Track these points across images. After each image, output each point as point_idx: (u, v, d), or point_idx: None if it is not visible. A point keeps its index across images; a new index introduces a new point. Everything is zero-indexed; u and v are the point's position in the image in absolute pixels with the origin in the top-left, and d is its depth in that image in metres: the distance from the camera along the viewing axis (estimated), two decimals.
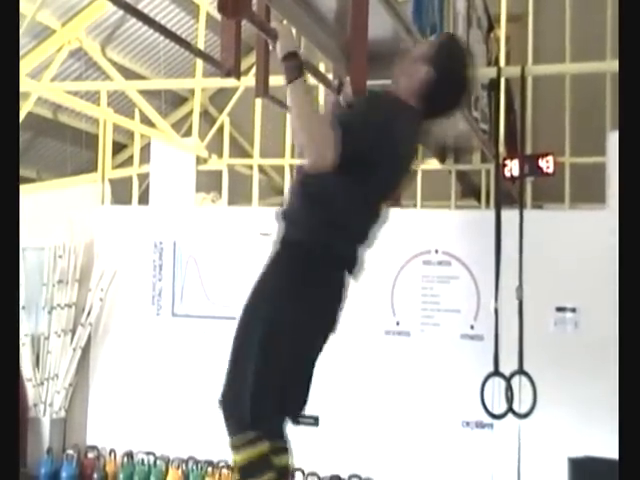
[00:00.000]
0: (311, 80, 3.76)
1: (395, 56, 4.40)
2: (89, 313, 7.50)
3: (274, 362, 2.90)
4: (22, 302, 7.29)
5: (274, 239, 3.03)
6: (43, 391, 7.40)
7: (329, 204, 2.90)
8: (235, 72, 3.27)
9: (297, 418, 3.08)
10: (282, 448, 3.03)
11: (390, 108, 2.98)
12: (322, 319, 3.02)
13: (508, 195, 6.57)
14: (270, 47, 2.94)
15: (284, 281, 2.93)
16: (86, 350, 7.54)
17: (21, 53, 7.22)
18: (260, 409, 2.90)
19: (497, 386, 5.26)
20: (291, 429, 3.16)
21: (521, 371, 5.12)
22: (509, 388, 5.05)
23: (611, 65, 6.09)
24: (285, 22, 4.40)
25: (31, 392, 7.38)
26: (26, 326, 7.40)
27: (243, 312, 2.99)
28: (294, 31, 3.47)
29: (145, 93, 7.76)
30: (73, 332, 7.50)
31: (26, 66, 7.21)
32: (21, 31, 6.52)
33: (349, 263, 3.05)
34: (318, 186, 2.88)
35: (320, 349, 3.07)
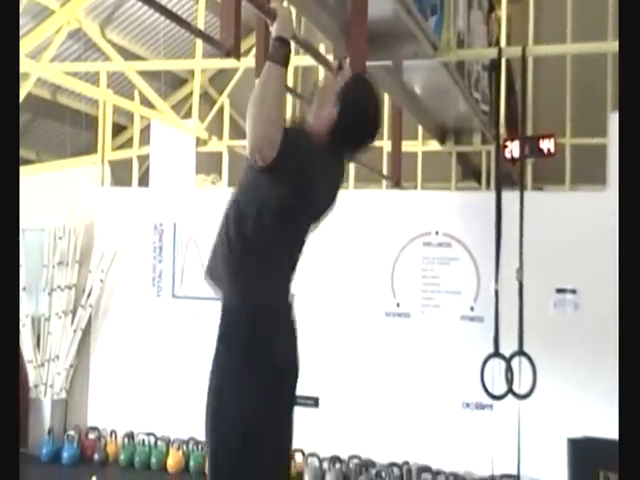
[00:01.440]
0: (311, 61, 3.75)
1: (395, 37, 4.41)
2: (89, 294, 7.51)
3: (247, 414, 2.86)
4: (22, 283, 7.30)
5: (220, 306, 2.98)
6: (44, 372, 7.42)
7: (261, 228, 2.88)
8: (235, 52, 3.26)
9: None
10: None
11: (306, 147, 2.95)
12: (285, 359, 2.97)
13: (508, 176, 6.57)
14: (270, 28, 2.92)
15: (240, 333, 2.87)
16: (87, 331, 7.56)
17: (20, 33, 7.19)
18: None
19: (497, 367, 5.26)
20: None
21: (521, 352, 5.11)
22: (509, 369, 5.05)
23: (612, 45, 6.05)
24: (285, 3, 4.40)
25: (32, 373, 7.39)
26: (26, 307, 7.41)
27: (210, 412, 2.92)
28: (294, 11, 3.46)
29: (145, 74, 7.74)
30: (74, 313, 7.52)
31: (25, 46, 7.17)
32: (20, 11, 6.50)
33: (288, 301, 3.03)
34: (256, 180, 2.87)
35: (290, 396, 3.02)
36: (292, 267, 3.02)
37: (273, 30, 2.81)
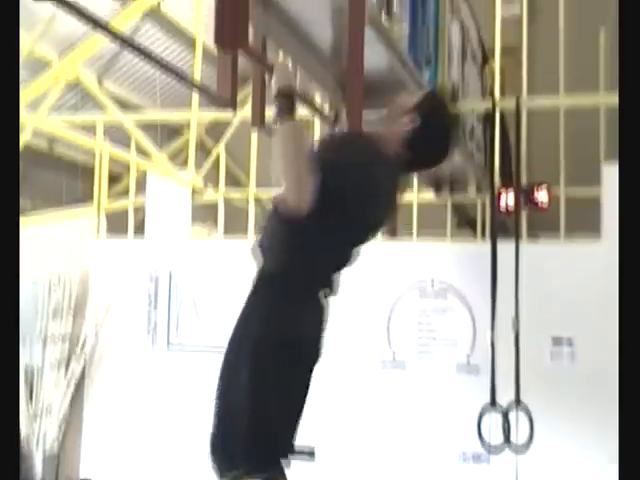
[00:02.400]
0: (306, 112, 3.77)
1: (390, 87, 4.45)
2: (84, 345, 7.47)
3: (263, 395, 2.87)
4: None
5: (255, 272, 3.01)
6: (36, 424, 7.35)
7: (299, 248, 2.90)
8: (231, 104, 3.28)
9: (289, 451, 3.04)
10: (278, 478, 2.99)
11: (371, 154, 2.98)
12: (307, 347, 3.00)
13: (503, 226, 6.58)
14: (266, 80, 2.95)
15: (266, 312, 2.92)
16: (80, 382, 7.50)
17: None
18: (252, 444, 2.87)
19: (494, 417, 5.23)
20: (287, 462, 3.14)
21: (518, 404, 5.09)
22: (506, 420, 5.03)
23: (605, 98, 6.12)
24: (281, 53, 4.44)
25: (24, 425, 7.32)
26: (20, 358, 7.36)
27: (228, 349, 2.98)
28: (290, 63, 3.49)
29: (141, 125, 7.78)
30: (67, 364, 7.46)
31: (23, 99, 7.22)
32: (19, 64, 6.54)
33: (328, 288, 3.05)
34: (289, 229, 2.88)
35: (309, 380, 3.04)
36: (338, 263, 3.05)
37: (272, 86, 2.82)
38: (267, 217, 3.09)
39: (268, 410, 2.89)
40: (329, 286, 3.06)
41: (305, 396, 3.02)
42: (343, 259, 3.07)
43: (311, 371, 3.04)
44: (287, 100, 2.78)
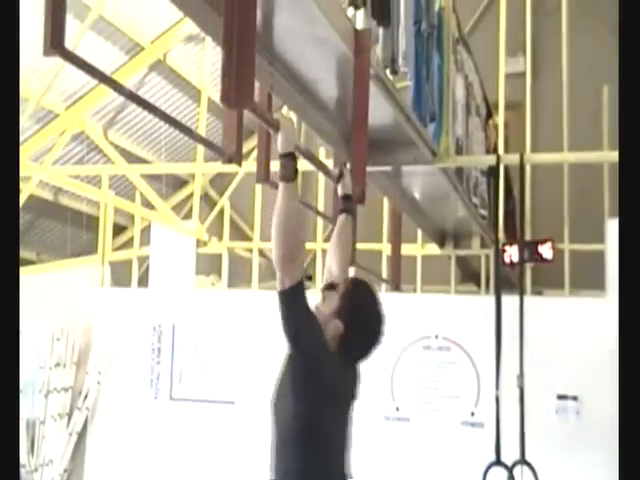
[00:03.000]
0: (310, 167, 3.79)
1: (394, 143, 4.47)
2: (86, 397, 7.42)
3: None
4: None
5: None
6: (37, 477, 7.28)
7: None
8: (237, 159, 3.30)
9: None
10: None
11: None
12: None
13: (507, 280, 6.57)
14: (272, 136, 2.97)
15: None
16: (82, 435, 7.45)
17: (25, 137, 7.29)
18: None
19: (499, 475, 5.16)
20: None
21: (523, 461, 5.03)
22: (511, 478, 4.97)
23: (609, 155, 6.15)
24: (287, 111, 4.46)
25: (25, 478, 7.25)
26: (22, 410, 7.31)
27: None
28: (295, 119, 3.51)
29: (146, 176, 7.82)
30: (69, 416, 7.42)
31: (29, 150, 7.28)
32: (26, 115, 6.60)
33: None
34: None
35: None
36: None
37: (279, 145, 2.85)
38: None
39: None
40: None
41: None
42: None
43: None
44: (291, 162, 2.82)
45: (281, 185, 2.79)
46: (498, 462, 4.97)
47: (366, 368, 7.07)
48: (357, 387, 3.34)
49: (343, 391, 3.19)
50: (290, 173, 2.80)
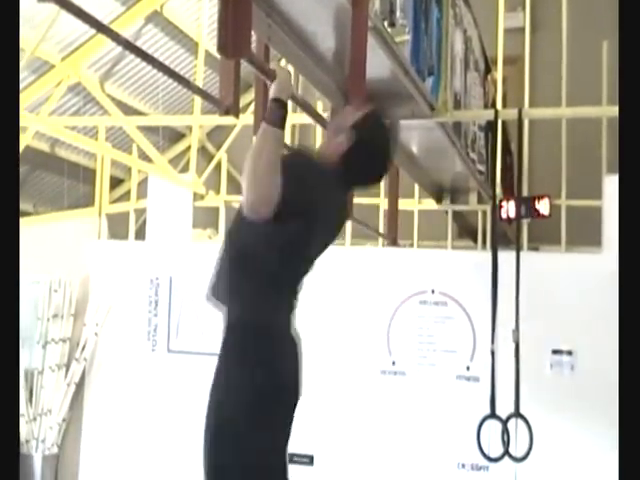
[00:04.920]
0: (308, 119, 3.78)
1: (392, 96, 4.45)
2: (84, 348, 7.46)
3: (250, 448, 2.84)
4: None
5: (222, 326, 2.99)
6: (35, 427, 7.34)
7: (262, 265, 2.89)
8: (234, 110, 3.28)
9: None
10: None
11: (316, 166, 2.98)
12: (289, 390, 2.97)
13: (504, 236, 6.58)
14: (269, 87, 2.94)
15: (242, 365, 2.88)
16: (80, 385, 7.49)
17: (20, 87, 7.24)
18: None
19: (494, 428, 5.21)
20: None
21: (517, 414, 5.08)
22: (505, 431, 5.01)
23: (607, 110, 6.13)
24: (284, 62, 4.43)
25: (23, 428, 7.31)
26: (20, 361, 7.35)
27: (209, 407, 2.94)
28: (292, 70, 3.49)
29: (143, 128, 7.78)
30: (67, 367, 7.46)
31: (25, 100, 7.23)
32: (21, 65, 6.55)
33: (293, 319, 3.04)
34: (250, 246, 2.87)
35: (292, 420, 3.01)
36: (294, 292, 3.02)
37: (271, 91, 2.82)
38: (220, 256, 3.05)
39: (256, 463, 2.86)
40: (293, 310, 3.02)
41: (288, 441, 2.99)
42: (303, 275, 3.07)
43: (293, 414, 3.00)
44: (279, 109, 2.78)
45: (262, 125, 2.75)
46: (493, 415, 5.02)
47: (362, 322, 7.13)
48: (344, 215, 3.25)
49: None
50: (275, 118, 2.75)
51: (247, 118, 5.95)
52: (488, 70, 6.73)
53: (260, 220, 2.72)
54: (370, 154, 3.06)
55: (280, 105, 2.78)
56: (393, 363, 6.77)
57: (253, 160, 2.69)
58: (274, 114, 2.76)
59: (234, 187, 7.95)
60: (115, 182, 9.16)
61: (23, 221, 7.54)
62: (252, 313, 2.91)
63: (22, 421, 7.30)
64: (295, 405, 2.98)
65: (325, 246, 3.12)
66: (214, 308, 3.03)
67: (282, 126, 2.78)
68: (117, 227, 7.97)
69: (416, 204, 7.35)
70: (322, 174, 2.95)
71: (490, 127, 6.18)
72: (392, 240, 6.35)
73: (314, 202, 2.86)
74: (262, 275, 2.90)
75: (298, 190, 2.76)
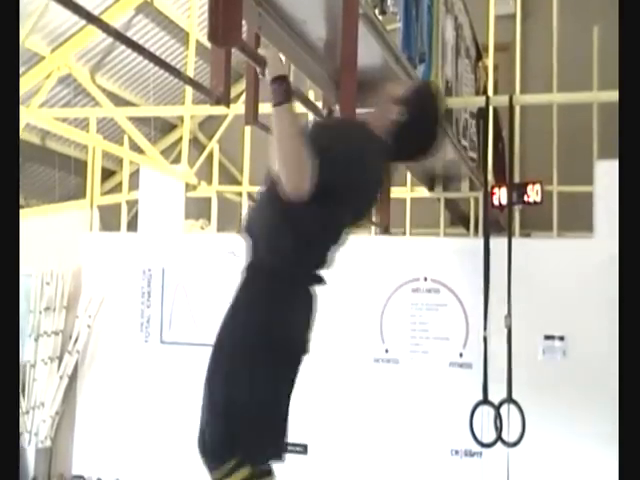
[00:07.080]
0: (300, 108, 3.77)
1: (383, 84, 4.45)
2: (76, 340, 7.45)
3: (252, 389, 2.87)
4: None
5: (244, 263, 3.01)
6: (28, 420, 7.33)
7: (298, 231, 2.89)
8: (225, 100, 3.28)
9: (279, 451, 3.03)
10: (266, 471, 2.99)
11: (364, 138, 2.98)
12: (297, 345, 3.00)
13: (496, 223, 6.60)
14: (260, 76, 2.94)
15: (256, 306, 2.92)
16: (73, 378, 7.49)
17: None
18: (240, 438, 2.87)
19: (486, 414, 5.24)
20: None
21: (510, 400, 5.10)
22: (498, 417, 5.04)
23: (598, 95, 6.14)
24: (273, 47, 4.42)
25: None
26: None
27: (216, 347, 2.97)
28: (283, 58, 3.49)
29: (134, 120, 7.77)
30: (60, 359, 7.45)
31: None
32: None
33: (316, 281, 3.05)
34: (287, 213, 2.86)
35: (296, 376, 3.03)
36: (323, 253, 3.04)
37: (267, 74, 2.81)
38: (257, 202, 3.07)
39: (256, 406, 2.88)
40: (319, 280, 3.05)
41: (291, 392, 3.01)
42: (336, 243, 3.08)
43: (298, 367, 3.03)
44: (283, 84, 2.77)
45: (274, 110, 2.72)
46: (485, 401, 5.04)
47: (355, 310, 7.14)
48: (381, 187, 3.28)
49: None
50: (281, 97, 2.73)
51: (238, 108, 5.94)
52: (479, 57, 6.74)
53: (302, 198, 2.72)
54: (422, 127, 3.06)
55: (280, 82, 2.77)
56: (386, 351, 6.78)
57: (279, 146, 2.70)
58: (277, 93, 2.75)
59: (226, 177, 7.96)
60: (107, 174, 9.14)
61: None
62: (276, 260, 2.92)
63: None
64: (299, 358, 3.02)
65: (360, 217, 3.18)
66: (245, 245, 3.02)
67: (289, 99, 2.76)
68: (109, 219, 7.96)
69: (408, 192, 7.35)
70: (371, 144, 2.95)
71: (481, 114, 6.19)
72: (384, 228, 6.36)
73: (357, 174, 2.86)
74: (294, 228, 2.88)
75: (343, 162, 2.79)
